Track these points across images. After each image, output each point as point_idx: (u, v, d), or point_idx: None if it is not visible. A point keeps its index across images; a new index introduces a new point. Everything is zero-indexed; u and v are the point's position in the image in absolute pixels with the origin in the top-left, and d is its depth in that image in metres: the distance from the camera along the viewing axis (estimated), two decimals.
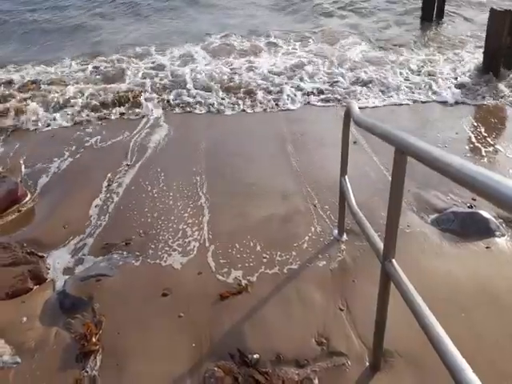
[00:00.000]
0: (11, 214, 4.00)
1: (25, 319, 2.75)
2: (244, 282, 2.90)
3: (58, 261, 3.31)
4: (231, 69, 7.40)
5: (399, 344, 2.31)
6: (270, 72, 7.17)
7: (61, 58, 8.30)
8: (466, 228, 3.34)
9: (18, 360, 2.46)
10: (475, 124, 5.32)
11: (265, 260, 3.13)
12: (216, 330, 2.54)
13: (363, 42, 8.73)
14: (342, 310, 2.63)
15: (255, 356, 2.34)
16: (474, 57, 7.49)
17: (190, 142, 5.14)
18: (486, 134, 4.99)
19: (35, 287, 3.07)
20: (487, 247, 3.13)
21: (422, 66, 7.20)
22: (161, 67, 7.69)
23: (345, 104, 5.47)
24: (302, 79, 6.84)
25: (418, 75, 6.91)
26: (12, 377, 2.35)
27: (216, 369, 2.27)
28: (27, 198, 4.20)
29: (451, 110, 5.87)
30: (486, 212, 3.43)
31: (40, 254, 3.36)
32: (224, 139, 5.23)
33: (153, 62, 7.96)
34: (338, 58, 7.74)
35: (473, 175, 1.10)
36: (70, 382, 2.28)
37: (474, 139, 4.91)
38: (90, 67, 7.77)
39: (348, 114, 2.69)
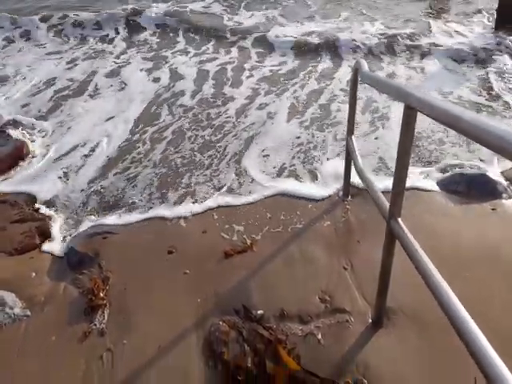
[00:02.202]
0: (16, 169, 4.01)
1: (34, 274, 2.81)
2: (249, 241, 2.92)
3: (64, 218, 3.35)
4: None
5: (402, 302, 2.33)
6: None
7: None
8: (473, 189, 3.30)
9: (28, 313, 2.52)
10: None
11: (270, 219, 3.14)
12: (221, 287, 2.57)
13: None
14: (345, 268, 2.65)
15: (259, 312, 2.37)
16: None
17: None
18: None
19: (43, 244, 3.11)
20: (493, 209, 3.10)
21: None
22: None
23: None
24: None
25: None
26: (23, 329, 2.42)
27: (221, 323, 2.31)
28: (32, 156, 4.20)
29: None
30: (493, 174, 3.40)
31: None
32: None
33: None
34: None
35: (487, 129, 1.05)
36: (78, 334, 2.35)
37: None
38: None
39: (356, 71, 2.62)
